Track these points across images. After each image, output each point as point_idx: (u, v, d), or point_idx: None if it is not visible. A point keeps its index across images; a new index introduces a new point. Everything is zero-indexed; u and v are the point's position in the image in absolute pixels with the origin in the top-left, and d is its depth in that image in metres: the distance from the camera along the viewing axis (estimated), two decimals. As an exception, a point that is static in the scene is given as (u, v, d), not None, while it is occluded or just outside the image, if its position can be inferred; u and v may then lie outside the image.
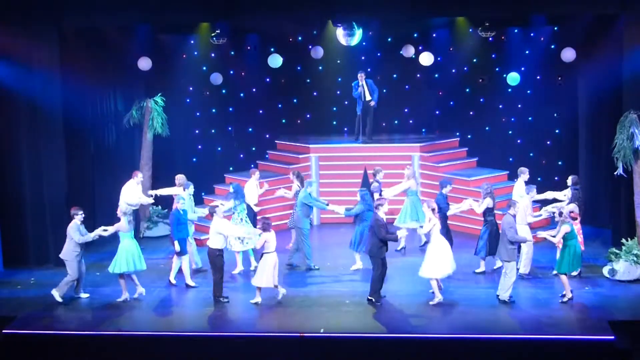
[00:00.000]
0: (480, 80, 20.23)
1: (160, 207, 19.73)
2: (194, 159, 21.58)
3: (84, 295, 15.55)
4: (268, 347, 13.60)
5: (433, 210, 15.19)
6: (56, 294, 15.33)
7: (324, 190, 20.32)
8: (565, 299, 14.80)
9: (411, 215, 17.72)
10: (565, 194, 16.58)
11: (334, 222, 19.85)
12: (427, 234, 15.22)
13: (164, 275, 16.77)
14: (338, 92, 21.98)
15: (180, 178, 17.03)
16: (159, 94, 19.79)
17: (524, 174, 16.99)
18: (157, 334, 13.96)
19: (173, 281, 16.17)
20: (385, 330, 13.93)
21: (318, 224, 20.45)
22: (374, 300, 14.97)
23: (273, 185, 18.98)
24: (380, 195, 16.94)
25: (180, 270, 16.19)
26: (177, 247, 15.88)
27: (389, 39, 21.53)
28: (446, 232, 16.30)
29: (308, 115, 22.41)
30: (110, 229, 15.36)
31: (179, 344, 13.72)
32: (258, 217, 17.10)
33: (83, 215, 15.32)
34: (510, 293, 14.79)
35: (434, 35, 21.16)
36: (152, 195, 17.67)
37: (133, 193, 17.46)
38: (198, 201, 18.38)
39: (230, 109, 21.98)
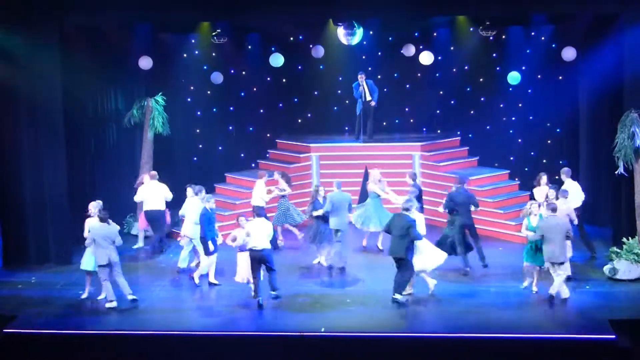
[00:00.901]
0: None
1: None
2: (195, 158, 21.59)
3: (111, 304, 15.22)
4: (268, 347, 13.60)
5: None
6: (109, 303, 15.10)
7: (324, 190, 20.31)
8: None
9: (372, 219, 17.67)
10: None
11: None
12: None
13: (164, 274, 16.82)
14: (339, 92, 21.97)
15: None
16: (160, 93, 19.77)
17: (567, 174, 17.03)
18: (157, 334, 13.93)
19: (215, 281, 16.14)
20: (385, 330, 13.91)
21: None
22: (398, 299, 14.73)
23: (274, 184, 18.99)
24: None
25: (192, 266, 16.50)
26: (212, 247, 15.93)
27: (390, 38, 21.51)
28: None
29: (309, 115, 22.40)
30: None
31: (179, 344, 13.71)
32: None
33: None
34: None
35: (435, 34, 21.15)
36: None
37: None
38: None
39: (231, 108, 21.98)
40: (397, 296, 14.68)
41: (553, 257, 14.71)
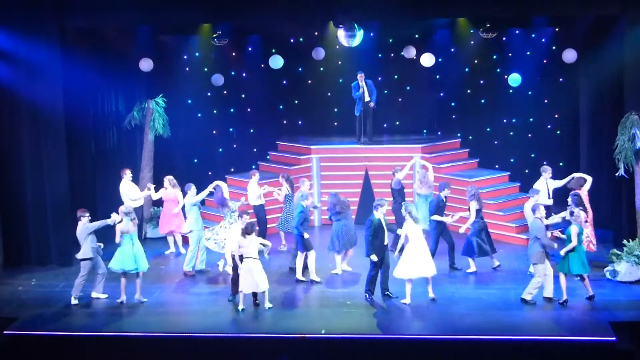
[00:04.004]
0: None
1: (162, 207, 19.73)
2: (195, 160, 21.60)
3: (101, 296, 15.49)
4: (269, 348, 13.59)
5: (409, 213, 15.05)
6: (74, 299, 15.27)
7: (325, 192, 20.30)
8: (562, 301, 14.81)
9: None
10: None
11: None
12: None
13: (164, 276, 16.82)
14: (339, 93, 21.98)
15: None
16: (160, 95, 19.79)
17: (546, 172, 17.08)
18: (157, 335, 13.94)
19: (302, 278, 16.29)
20: (386, 332, 13.92)
21: (320, 225, 20.41)
22: (367, 296, 15.09)
23: (276, 185, 18.96)
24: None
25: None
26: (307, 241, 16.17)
27: (390, 40, 21.53)
28: (439, 234, 16.43)
29: (309, 117, 22.42)
30: (118, 226, 15.31)
31: (179, 345, 13.70)
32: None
33: (89, 217, 15.33)
34: (534, 294, 14.77)
35: (435, 36, 21.16)
36: (149, 189, 18.40)
37: (131, 190, 17.75)
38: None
39: (232, 110, 22.00)
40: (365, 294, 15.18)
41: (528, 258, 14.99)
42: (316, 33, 20.85)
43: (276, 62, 20.68)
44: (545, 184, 17.00)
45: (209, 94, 21.44)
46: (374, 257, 14.86)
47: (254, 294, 14.98)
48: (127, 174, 18.10)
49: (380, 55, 21.82)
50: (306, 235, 16.14)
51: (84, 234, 15.16)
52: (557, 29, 20.07)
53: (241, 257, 14.77)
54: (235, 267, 15.04)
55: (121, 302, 15.26)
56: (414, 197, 18.61)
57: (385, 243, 15.00)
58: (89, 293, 15.50)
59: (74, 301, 15.27)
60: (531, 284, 14.76)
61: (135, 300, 15.29)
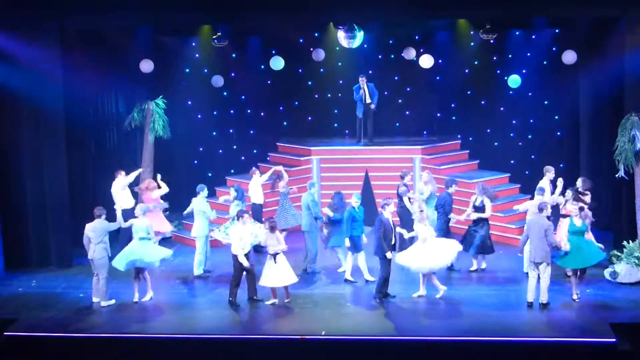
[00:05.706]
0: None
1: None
2: (195, 161, 21.60)
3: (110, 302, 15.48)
4: (269, 350, 13.59)
5: (421, 211, 15.48)
6: (104, 303, 15.24)
7: (325, 193, 20.30)
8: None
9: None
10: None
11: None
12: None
13: (165, 277, 16.80)
14: (339, 95, 21.98)
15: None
16: (161, 96, 19.79)
17: (550, 172, 17.05)
18: (158, 337, 13.94)
19: (351, 278, 16.29)
20: (386, 333, 13.91)
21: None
22: (378, 299, 15.03)
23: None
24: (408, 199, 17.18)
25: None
26: (348, 243, 16.10)
27: (390, 41, 21.53)
28: (446, 233, 16.43)
29: (309, 118, 22.43)
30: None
31: (180, 346, 13.71)
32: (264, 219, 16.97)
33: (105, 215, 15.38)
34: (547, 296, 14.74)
35: (435, 37, 21.15)
36: None
37: (117, 193, 17.73)
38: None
39: (232, 112, 22.00)
40: (376, 297, 15.17)
41: (530, 256, 14.83)
42: (316, 34, 20.85)
43: (277, 63, 20.67)
44: (549, 184, 16.99)
45: (209, 95, 21.42)
46: (389, 255, 14.87)
47: (251, 291, 15.09)
48: (121, 175, 17.98)
49: (380, 56, 21.81)
50: (347, 243, 16.06)
51: (103, 232, 15.12)
52: (557, 30, 20.06)
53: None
54: (236, 268, 15.06)
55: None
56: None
57: (393, 242, 15.00)
58: (91, 294, 15.51)
59: (109, 303, 15.26)
60: (543, 287, 14.66)
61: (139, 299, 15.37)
